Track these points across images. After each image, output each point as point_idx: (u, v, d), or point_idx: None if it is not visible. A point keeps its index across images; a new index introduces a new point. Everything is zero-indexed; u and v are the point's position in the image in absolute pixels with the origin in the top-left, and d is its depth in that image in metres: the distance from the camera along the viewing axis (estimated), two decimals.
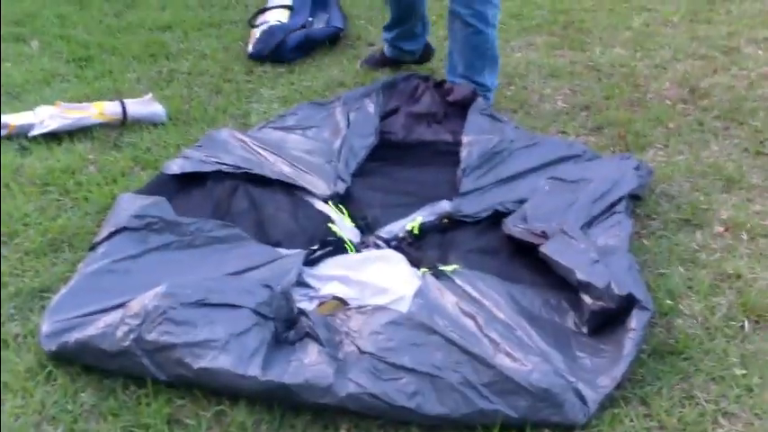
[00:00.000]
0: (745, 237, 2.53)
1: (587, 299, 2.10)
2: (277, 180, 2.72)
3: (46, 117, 3.13)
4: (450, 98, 3.17)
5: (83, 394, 1.97)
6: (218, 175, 2.73)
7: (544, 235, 2.32)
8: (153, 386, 1.95)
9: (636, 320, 2.03)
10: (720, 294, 2.29)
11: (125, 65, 3.84)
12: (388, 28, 3.69)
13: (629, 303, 2.06)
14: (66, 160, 2.96)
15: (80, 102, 3.31)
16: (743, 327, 2.17)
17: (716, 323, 2.18)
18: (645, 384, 1.99)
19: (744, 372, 2.02)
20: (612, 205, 2.52)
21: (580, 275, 2.13)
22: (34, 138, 3.09)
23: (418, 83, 3.30)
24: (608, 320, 2.10)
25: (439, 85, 3.27)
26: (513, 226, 2.44)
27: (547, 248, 2.26)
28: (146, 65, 3.85)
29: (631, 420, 1.89)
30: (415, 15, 3.60)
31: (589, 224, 2.43)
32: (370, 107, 3.12)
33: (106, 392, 1.97)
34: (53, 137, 3.10)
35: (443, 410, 1.84)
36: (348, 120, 3.06)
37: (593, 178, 2.61)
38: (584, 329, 2.12)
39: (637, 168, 2.71)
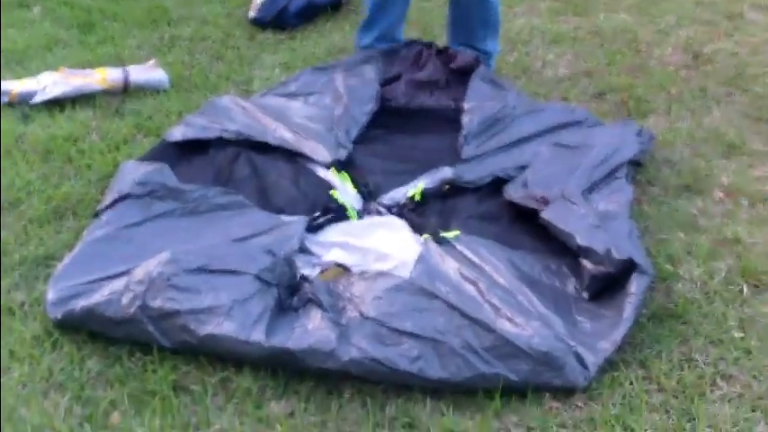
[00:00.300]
0: (745, 202, 2.55)
1: (587, 263, 2.12)
2: (279, 147, 2.72)
3: (49, 83, 3.14)
4: (453, 65, 3.17)
5: (89, 362, 1.99)
6: (220, 143, 2.74)
7: (545, 200, 2.34)
8: (158, 353, 1.97)
9: (635, 285, 2.05)
10: (720, 259, 2.30)
11: (127, 31, 3.84)
12: (363, 29, 3.42)
13: (628, 268, 2.08)
14: (69, 128, 2.97)
15: (83, 68, 3.31)
16: (741, 291, 2.19)
17: (715, 287, 2.20)
18: (644, 348, 2.01)
19: (742, 335, 2.04)
20: (613, 171, 2.53)
21: (580, 240, 2.15)
22: (36, 105, 3.09)
23: (421, 49, 3.29)
24: (608, 285, 2.12)
25: (441, 52, 3.26)
26: (513, 192, 2.45)
27: (547, 214, 2.28)
28: (147, 31, 3.85)
29: (631, 383, 1.91)
30: (398, 9, 3.38)
31: (590, 190, 2.45)
32: (371, 73, 3.12)
33: (112, 360, 2.00)
34: (55, 104, 3.11)
35: (445, 374, 1.87)
36: (348, 86, 3.06)
37: (594, 144, 2.61)
38: (585, 294, 2.14)
39: (638, 134, 2.72)
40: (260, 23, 3.90)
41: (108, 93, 3.20)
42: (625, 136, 2.69)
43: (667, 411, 1.85)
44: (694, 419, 1.82)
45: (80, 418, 1.85)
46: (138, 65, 3.36)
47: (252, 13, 3.94)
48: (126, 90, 3.23)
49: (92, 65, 3.39)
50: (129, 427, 1.82)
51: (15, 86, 3.14)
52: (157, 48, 3.68)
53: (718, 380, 1.93)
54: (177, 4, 4.16)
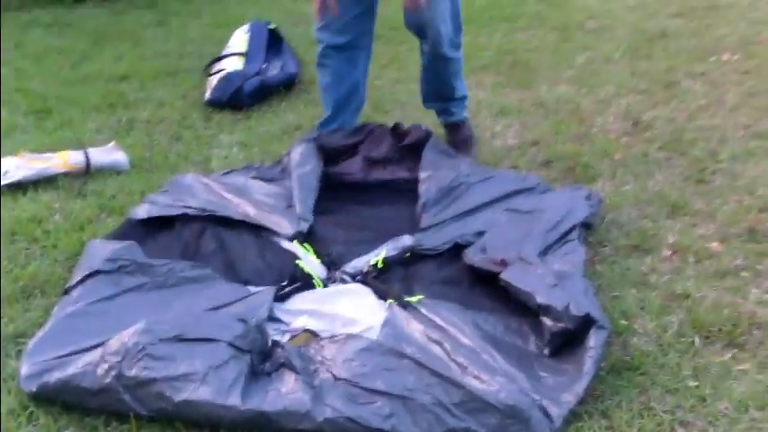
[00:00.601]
0: (691, 259, 2.67)
1: (548, 321, 2.21)
2: (242, 221, 2.80)
3: (11, 168, 3.20)
4: (406, 141, 3.28)
5: (68, 430, 2.02)
6: (185, 219, 2.81)
7: (503, 263, 2.44)
8: (135, 422, 2.01)
9: (594, 339, 2.14)
10: (671, 313, 2.41)
11: (84, 115, 3.92)
12: (323, 125, 3.46)
13: (587, 323, 2.17)
14: (33, 209, 3.02)
15: (43, 152, 3.37)
16: (693, 342, 2.29)
17: (668, 340, 2.30)
18: (605, 399, 2.09)
19: (696, 383, 2.14)
20: (566, 234, 2.64)
21: (540, 299, 2.24)
22: None
23: (373, 128, 3.39)
24: (567, 341, 2.20)
25: (393, 129, 3.36)
26: (473, 256, 2.55)
27: (507, 275, 2.38)
28: (105, 114, 3.93)
29: None
30: (354, 106, 3.48)
31: (545, 252, 2.55)
32: (309, 148, 3.20)
33: (89, 430, 2.02)
34: (18, 187, 3.16)
35: (417, 431, 1.93)
36: (299, 173, 3.12)
37: (546, 209, 2.73)
38: (546, 351, 2.23)
39: (588, 198, 2.85)
40: (215, 104, 4.01)
41: (69, 175, 3.27)
42: (575, 200, 2.81)
43: None
44: None
45: None
46: (98, 147, 3.43)
47: (207, 95, 4.06)
48: (87, 172, 3.30)
49: (51, 149, 3.46)
50: None
51: None
52: (116, 130, 3.76)
53: (677, 426, 2.02)
54: (133, 88, 4.26)
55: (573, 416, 2.03)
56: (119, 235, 2.72)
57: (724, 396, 2.09)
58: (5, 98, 4.10)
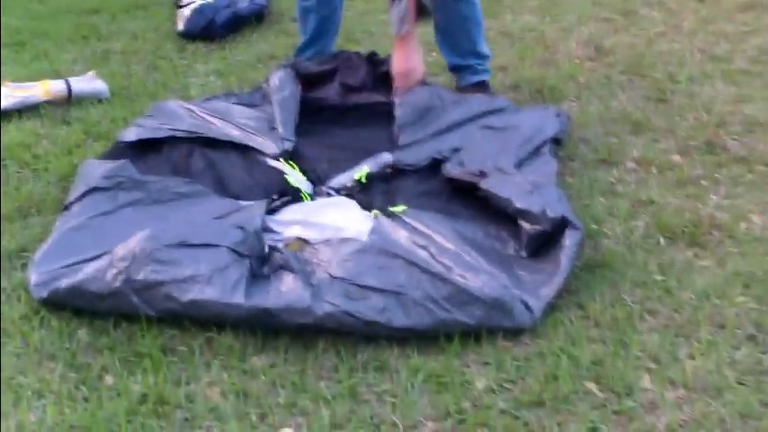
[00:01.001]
0: (654, 170, 2.85)
1: (525, 224, 2.38)
2: (229, 142, 2.91)
3: None
4: (382, 69, 3.38)
5: (78, 334, 2.14)
6: (173, 141, 2.91)
7: (482, 174, 2.59)
8: (143, 323, 2.14)
9: (569, 239, 2.31)
10: (638, 218, 2.59)
11: (59, 47, 3.97)
12: (300, 50, 3.57)
13: (562, 225, 2.34)
14: (20, 136, 3.10)
15: (23, 83, 3.44)
16: (659, 242, 2.48)
17: (636, 240, 2.48)
18: (579, 293, 2.27)
19: (662, 278, 2.33)
20: (538, 147, 2.81)
21: (518, 204, 2.40)
22: None
23: (350, 56, 3.46)
24: (544, 242, 2.37)
25: (369, 57, 3.47)
26: (452, 169, 2.70)
27: (486, 184, 2.53)
28: (79, 46, 3.99)
29: (571, 322, 2.17)
30: (333, 30, 3.59)
31: (519, 165, 2.71)
32: (287, 74, 3.28)
33: (99, 331, 2.15)
34: (2, 116, 3.22)
35: (409, 323, 2.08)
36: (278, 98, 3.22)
37: (519, 125, 2.89)
38: (524, 253, 2.39)
39: (557, 115, 3.01)
40: (188, 36, 4.08)
41: (52, 103, 3.34)
42: (546, 117, 2.97)
43: (604, 342, 2.11)
44: (627, 347, 2.08)
45: (75, 382, 2.00)
46: (77, 77, 3.49)
47: (180, 27, 4.12)
48: (69, 100, 3.37)
49: (31, 79, 3.51)
50: (125, 384, 1.98)
51: None
52: (92, 61, 3.82)
53: (646, 315, 2.20)
54: (104, 21, 4.31)
55: (551, 308, 2.21)
56: (109, 157, 2.82)
57: (688, 287, 2.28)
58: None
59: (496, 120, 2.99)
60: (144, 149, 2.90)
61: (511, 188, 2.48)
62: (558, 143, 2.96)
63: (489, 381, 2.00)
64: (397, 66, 3.18)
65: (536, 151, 2.80)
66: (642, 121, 3.15)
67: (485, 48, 3.47)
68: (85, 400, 1.96)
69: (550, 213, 2.35)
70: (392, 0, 3.09)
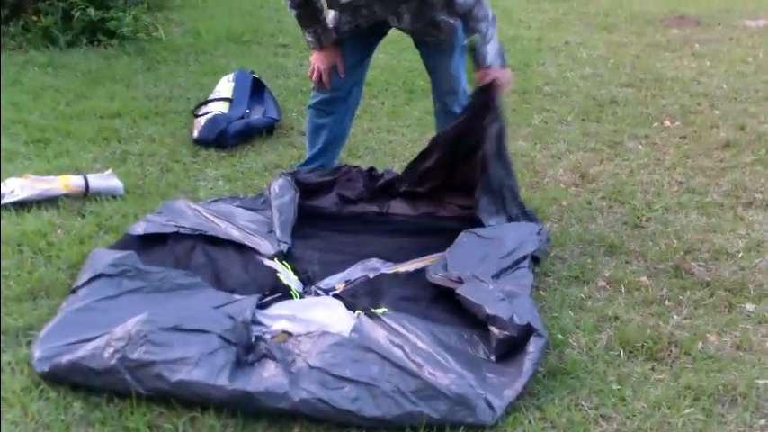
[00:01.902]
0: (622, 290, 3.04)
1: (494, 329, 2.57)
2: (228, 241, 3.14)
3: (16, 187, 3.51)
4: (380, 183, 3.64)
5: (73, 407, 2.32)
6: (177, 237, 3.14)
7: (460, 280, 2.80)
8: (134, 400, 2.32)
9: (533, 345, 2.50)
10: (602, 331, 2.78)
11: (81, 146, 4.24)
12: (306, 163, 3.80)
13: (527, 332, 2.53)
14: (37, 225, 3.33)
15: (44, 176, 3.70)
16: (619, 355, 2.66)
17: (598, 352, 2.66)
18: (540, 396, 2.45)
19: (619, 387, 2.50)
20: (518, 261, 3.02)
21: (489, 310, 2.60)
22: (5, 206, 3.45)
23: (349, 169, 3.73)
24: (511, 349, 2.56)
25: (368, 172, 3.72)
26: (434, 273, 2.91)
27: (462, 290, 2.73)
28: (100, 147, 4.26)
29: (530, 422, 2.34)
30: (340, 147, 3.87)
31: (498, 275, 2.92)
32: (287, 182, 3.53)
33: (93, 406, 2.33)
34: (22, 205, 3.47)
35: (379, 413, 2.26)
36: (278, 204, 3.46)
37: (503, 237, 3.11)
38: (493, 357, 2.57)
39: (538, 233, 3.23)
40: (202, 143, 4.35)
41: (69, 197, 3.59)
42: (528, 234, 3.18)
43: None
44: None
45: None
46: (95, 174, 3.76)
47: (195, 134, 4.40)
48: (86, 195, 3.62)
49: (52, 174, 3.77)
50: None
51: None
52: (110, 161, 4.09)
53: (600, 420, 2.37)
54: (125, 125, 4.59)
55: (512, 409, 2.38)
56: (118, 247, 3.04)
57: (641, 397, 2.45)
58: (6, 128, 4.40)
59: (485, 230, 3.20)
60: (151, 243, 3.13)
61: (484, 295, 2.68)
62: (536, 261, 3.17)
63: None
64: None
65: (516, 264, 3.01)
66: (616, 244, 3.37)
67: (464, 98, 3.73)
68: None
69: (518, 321, 2.54)
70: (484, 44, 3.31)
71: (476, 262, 2.94)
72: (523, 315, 2.57)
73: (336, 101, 3.64)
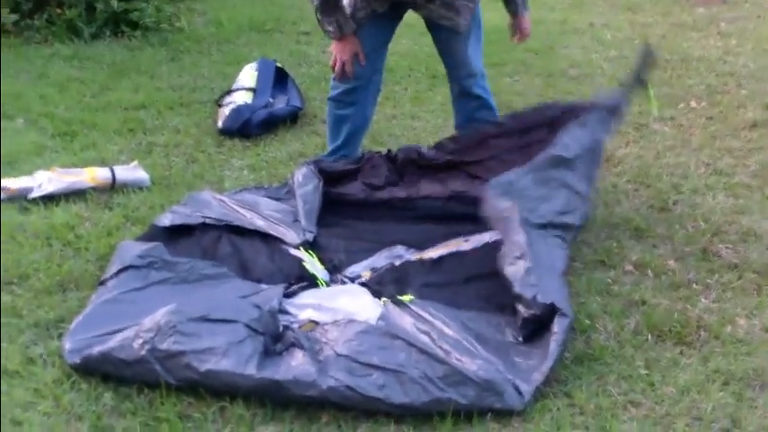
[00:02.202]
0: (650, 274, 3.03)
1: (521, 308, 2.57)
2: (254, 231, 3.15)
3: (44, 180, 3.54)
4: (399, 161, 3.63)
5: (104, 398, 2.36)
6: (203, 228, 3.16)
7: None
8: (164, 390, 2.34)
9: (558, 325, 2.49)
10: (629, 316, 2.77)
11: (107, 138, 4.27)
12: (330, 155, 3.79)
13: (552, 311, 2.52)
14: (65, 218, 3.36)
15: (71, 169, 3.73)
16: (647, 340, 2.65)
17: (625, 337, 2.65)
18: (568, 383, 2.45)
19: (647, 372, 2.49)
20: (563, 226, 2.98)
21: (517, 289, 2.59)
22: (33, 199, 3.49)
23: (371, 156, 3.71)
24: (538, 328, 2.55)
25: (387, 155, 3.70)
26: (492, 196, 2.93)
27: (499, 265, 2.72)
28: (125, 138, 4.29)
29: (558, 409, 2.34)
30: (362, 137, 3.85)
31: (544, 226, 2.90)
32: (311, 171, 3.51)
33: (123, 397, 2.36)
34: (50, 199, 3.50)
35: (407, 400, 2.27)
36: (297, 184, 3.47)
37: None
38: (520, 338, 2.57)
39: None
40: (227, 133, 4.36)
41: (97, 189, 3.61)
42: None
43: (587, 428, 2.28)
44: None
45: None
46: (122, 165, 3.79)
47: (219, 124, 4.42)
48: (113, 187, 3.65)
49: (79, 167, 3.80)
50: None
51: (13, 183, 3.54)
52: (136, 152, 4.11)
53: (629, 405, 2.37)
54: (150, 116, 4.61)
55: (540, 395, 2.38)
56: (145, 239, 3.06)
57: (670, 382, 2.45)
58: (34, 121, 4.44)
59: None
60: (177, 234, 3.15)
61: (513, 273, 2.66)
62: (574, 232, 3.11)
63: None
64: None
65: (560, 227, 2.97)
66: (643, 228, 3.35)
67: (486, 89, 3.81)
68: None
69: (541, 299, 2.53)
70: None
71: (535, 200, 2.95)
72: (549, 294, 2.56)
73: (357, 90, 3.63)
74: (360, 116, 3.72)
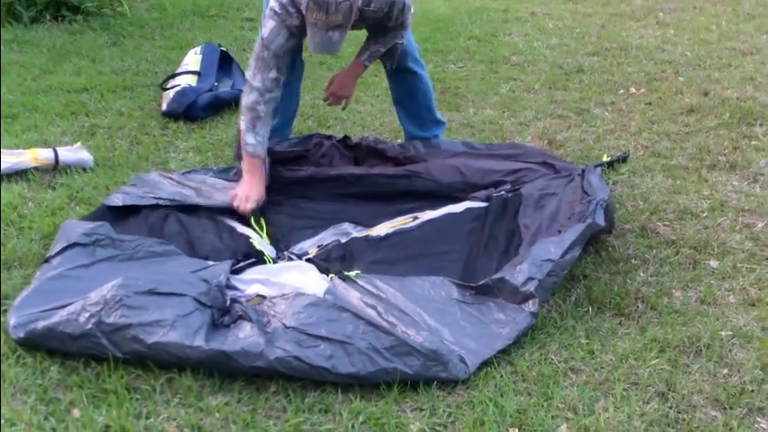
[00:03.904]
0: (591, 249, 3.10)
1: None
2: (203, 209, 3.16)
3: None
4: (352, 148, 3.67)
5: (50, 371, 2.35)
6: (152, 206, 3.15)
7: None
8: (111, 363, 2.34)
9: (524, 320, 2.56)
10: (571, 290, 2.83)
11: (49, 121, 4.22)
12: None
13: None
14: (8, 197, 3.33)
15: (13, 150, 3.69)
16: (588, 311, 2.72)
17: (567, 309, 2.72)
18: (511, 352, 2.50)
19: (588, 341, 2.56)
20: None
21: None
22: None
23: (321, 141, 3.70)
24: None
25: (343, 140, 3.71)
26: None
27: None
28: (68, 121, 4.24)
29: (501, 376, 2.39)
30: (293, 116, 3.86)
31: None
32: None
33: (70, 370, 2.36)
34: None
35: (353, 370, 2.30)
36: None
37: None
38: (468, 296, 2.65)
39: None
40: (171, 115, 4.34)
41: (39, 170, 3.58)
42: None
43: (529, 394, 2.33)
44: (550, 399, 2.31)
45: (44, 414, 2.21)
46: (65, 146, 3.75)
47: (164, 107, 4.39)
48: (55, 168, 3.61)
49: (21, 148, 3.76)
50: (91, 417, 2.18)
51: None
52: (79, 135, 4.07)
53: (569, 372, 2.43)
54: (93, 99, 4.57)
55: (484, 364, 2.43)
56: (92, 219, 3.04)
57: (609, 350, 2.52)
58: None
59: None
60: (124, 214, 3.13)
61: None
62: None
63: (423, 425, 2.21)
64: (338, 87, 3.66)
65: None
66: None
67: (440, 115, 3.95)
68: (53, 430, 2.17)
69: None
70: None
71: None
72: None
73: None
74: (293, 101, 3.74)
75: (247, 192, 3.23)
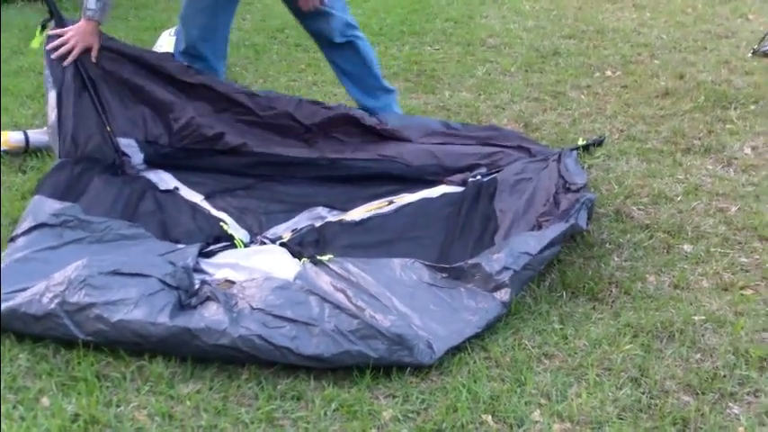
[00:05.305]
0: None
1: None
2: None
3: None
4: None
5: (19, 358, 2.32)
6: (129, 179, 3.13)
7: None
8: (80, 350, 2.31)
9: (495, 309, 2.54)
10: (545, 274, 2.82)
11: (20, 103, 4.17)
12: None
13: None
14: None
15: None
16: (561, 296, 2.71)
17: (541, 294, 2.71)
18: (485, 337, 2.49)
19: (561, 326, 2.55)
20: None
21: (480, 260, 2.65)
22: None
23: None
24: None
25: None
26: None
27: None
28: (39, 103, 4.18)
29: (474, 362, 2.38)
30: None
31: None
32: None
33: (39, 357, 2.33)
34: None
35: (317, 351, 2.27)
36: None
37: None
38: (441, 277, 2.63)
39: None
40: None
41: (9, 153, 3.53)
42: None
43: (502, 380, 2.32)
44: (523, 385, 2.30)
45: (13, 402, 2.18)
46: (36, 129, 3.70)
47: None
48: (26, 151, 3.56)
49: None
50: (60, 405, 2.15)
51: None
52: None
53: (543, 358, 2.43)
54: None
55: (457, 349, 2.42)
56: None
57: (583, 335, 2.51)
58: None
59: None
60: (100, 186, 3.07)
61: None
62: None
63: (395, 411, 2.20)
64: None
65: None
66: None
67: (387, 83, 3.91)
68: (22, 418, 2.14)
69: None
70: None
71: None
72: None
73: (203, 42, 3.61)
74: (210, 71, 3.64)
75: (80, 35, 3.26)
